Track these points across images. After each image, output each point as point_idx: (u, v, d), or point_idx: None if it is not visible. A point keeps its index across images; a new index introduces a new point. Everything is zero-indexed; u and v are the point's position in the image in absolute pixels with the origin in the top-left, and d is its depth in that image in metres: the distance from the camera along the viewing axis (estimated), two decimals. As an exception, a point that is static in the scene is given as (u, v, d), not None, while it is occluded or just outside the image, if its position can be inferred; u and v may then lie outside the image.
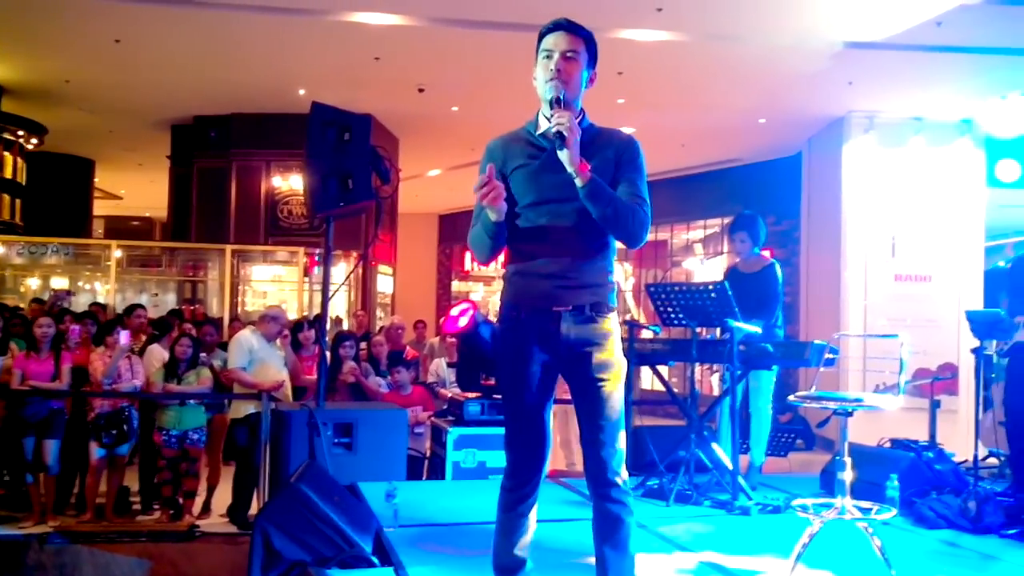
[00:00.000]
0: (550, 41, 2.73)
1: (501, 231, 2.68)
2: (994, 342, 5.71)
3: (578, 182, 2.58)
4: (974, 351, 5.62)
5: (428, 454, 6.42)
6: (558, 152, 2.58)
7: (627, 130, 2.94)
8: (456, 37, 7.89)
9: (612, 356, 2.71)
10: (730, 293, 4.82)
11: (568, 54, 2.71)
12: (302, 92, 9.81)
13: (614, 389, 2.69)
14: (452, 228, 19.86)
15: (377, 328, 11.58)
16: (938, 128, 9.53)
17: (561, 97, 2.65)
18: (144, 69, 9.55)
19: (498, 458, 5.63)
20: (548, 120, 2.68)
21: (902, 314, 9.49)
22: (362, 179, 5.27)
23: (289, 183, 11.61)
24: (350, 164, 5.26)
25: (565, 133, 2.54)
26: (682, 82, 8.77)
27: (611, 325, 2.73)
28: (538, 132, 2.76)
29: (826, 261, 10.40)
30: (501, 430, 5.92)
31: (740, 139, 11.19)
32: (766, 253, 6.85)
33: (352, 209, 5.42)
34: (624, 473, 2.69)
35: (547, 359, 2.73)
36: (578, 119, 2.68)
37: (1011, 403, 5.56)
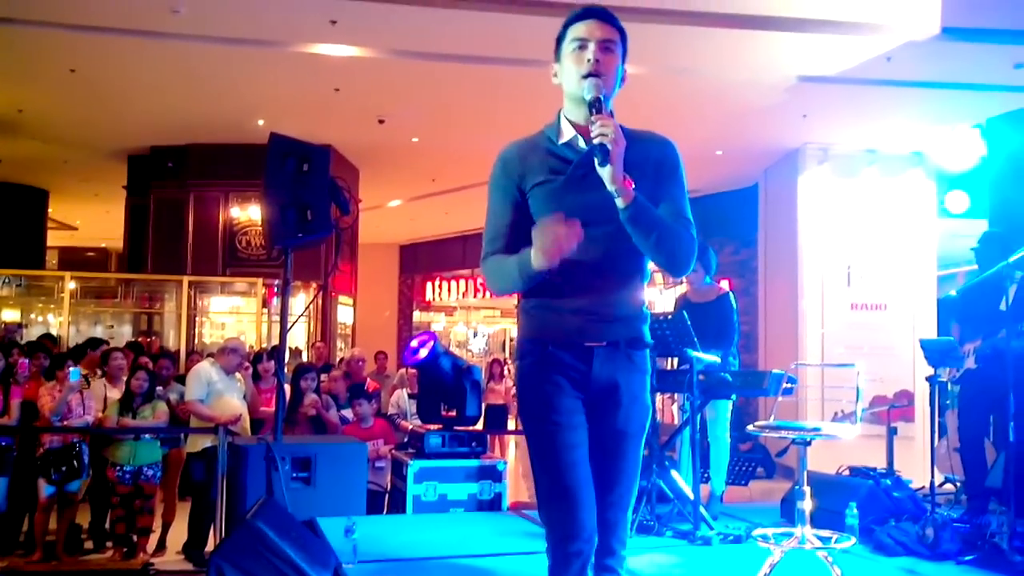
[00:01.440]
0: (582, 29, 2.30)
1: (543, 276, 2.23)
2: (947, 370, 5.80)
3: (620, 203, 2.20)
4: (928, 379, 5.71)
5: (389, 488, 6.35)
6: (599, 168, 2.17)
7: None
8: (416, 69, 7.92)
9: (642, 406, 2.40)
10: (688, 323, 4.85)
11: (606, 44, 2.29)
12: (261, 122, 9.77)
13: (638, 446, 2.40)
14: (413, 258, 19.83)
15: (337, 360, 11.48)
16: (890, 160, 9.74)
17: (603, 99, 2.23)
18: (100, 99, 9.45)
19: (459, 491, 5.59)
20: (572, 124, 2.33)
21: (859, 342, 9.63)
22: (321, 210, 5.23)
23: (248, 214, 11.52)
24: (309, 195, 5.22)
25: (609, 146, 2.14)
26: (640, 114, 8.78)
27: (646, 365, 2.43)
28: (561, 141, 2.36)
29: (783, 290, 10.53)
30: (462, 462, 5.88)
31: (698, 170, 11.32)
32: (724, 283, 6.92)
33: (311, 241, 5.37)
34: (626, 541, 2.39)
35: (574, 400, 2.35)
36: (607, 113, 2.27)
37: (964, 429, 5.66)
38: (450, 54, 7.36)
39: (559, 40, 2.37)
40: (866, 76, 7.61)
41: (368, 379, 8.45)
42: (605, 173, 2.17)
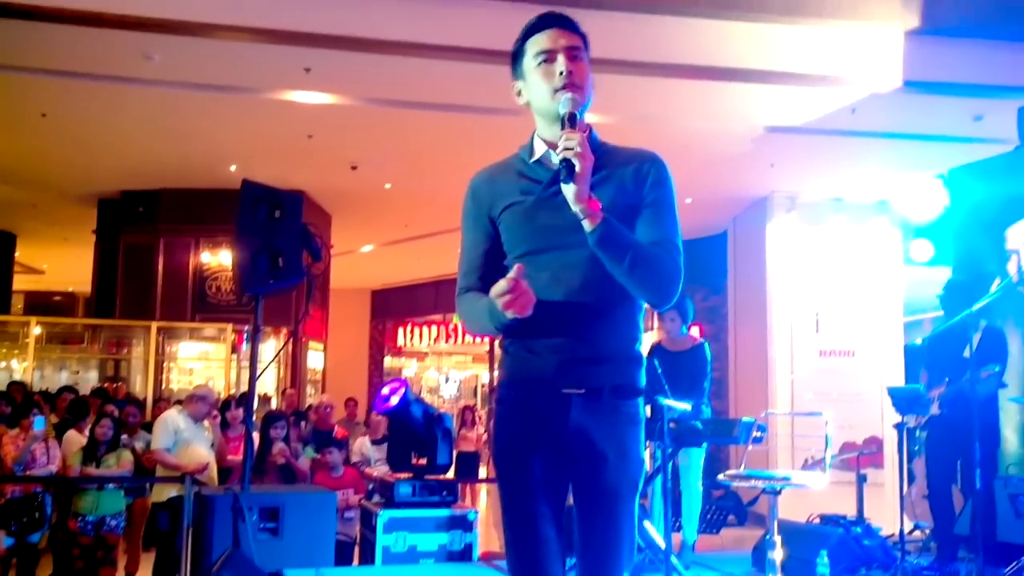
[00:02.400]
0: (544, 40, 2.10)
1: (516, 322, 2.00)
2: (914, 416, 5.86)
3: (586, 225, 1.97)
4: (896, 426, 5.76)
5: (358, 538, 6.26)
6: (563, 185, 1.95)
7: None
8: (389, 116, 7.98)
9: (633, 462, 2.11)
10: (660, 371, 4.87)
11: (573, 52, 2.09)
12: (234, 168, 9.77)
13: (630, 506, 2.11)
14: (385, 304, 19.78)
15: (307, 406, 11.37)
16: (856, 208, 9.91)
17: (578, 115, 2.04)
18: (72, 144, 9.41)
19: (429, 541, 5.52)
20: (545, 142, 2.14)
21: (828, 388, 9.71)
22: (293, 257, 5.23)
23: (218, 259, 11.46)
24: (281, 242, 5.22)
25: (576, 162, 1.93)
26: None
27: (637, 415, 2.14)
28: (533, 159, 2.16)
29: (753, 336, 10.61)
30: (432, 512, 5.82)
31: None
32: (695, 331, 6.97)
33: (282, 287, 5.36)
34: None
35: (553, 454, 2.10)
36: (587, 133, 2.08)
37: (931, 476, 5.70)
38: (422, 102, 7.43)
39: (516, 56, 2.17)
40: (832, 127, 7.77)
41: (336, 426, 8.37)
42: (569, 192, 1.95)
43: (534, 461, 2.10)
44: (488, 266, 2.17)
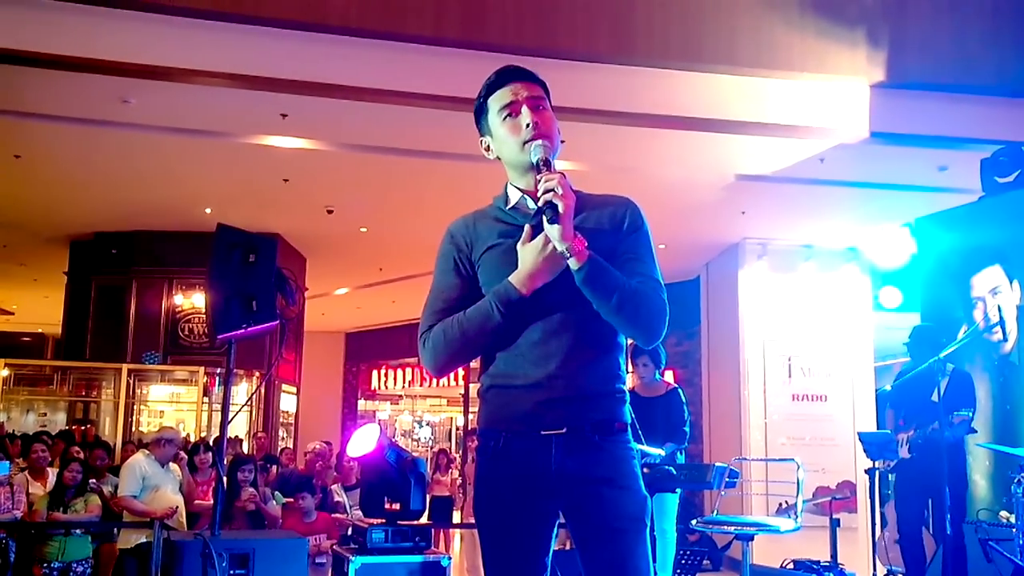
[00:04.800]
0: (506, 95, 2.14)
1: (515, 318, 2.01)
2: (882, 461, 5.92)
3: (572, 264, 1.98)
4: (867, 471, 5.81)
5: (329, 585, 6.18)
6: (547, 226, 1.96)
7: None
8: (364, 161, 8.03)
9: (631, 493, 2.04)
10: (632, 417, 4.89)
11: (536, 103, 2.13)
12: (208, 211, 9.76)
13: (637, 542, 2.02)
14: (359, 346, 19.69)
15: (279, 450, 11.26)
16: (827, 255, 10.05)
17: (551, 159, 2.08)
18: (45, 185, 9.37)
19: (402, 587, 5.46)
20: (521, 191, 2.16)
21: (801, 433, 9.77)
22: (266, 301, 5.22)
23: (191, 301, 11.38)
24: (254, 286, 5.21)
25: (558, 203, 1.94)
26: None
27: (624, 449, 2.09)
28: (509, 206, 2.18)
29: (726, 381, 10.67)
30: (408, 558, 5.76)
31: None
32: (669, 376, 7.01)
33: (255, 332, 5.35)
34: None
35: (538, 501, 2.05)
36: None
37: (901, 521, 5.75)
38: (398, 148, 7.50)
39: (479, 112, 2.21)
40: (801, 175, 7.91)
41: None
42: (554, 232, 1.95)
43: (514, 507, 2.05)
44: (461, 308, 2.13)
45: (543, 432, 2.02)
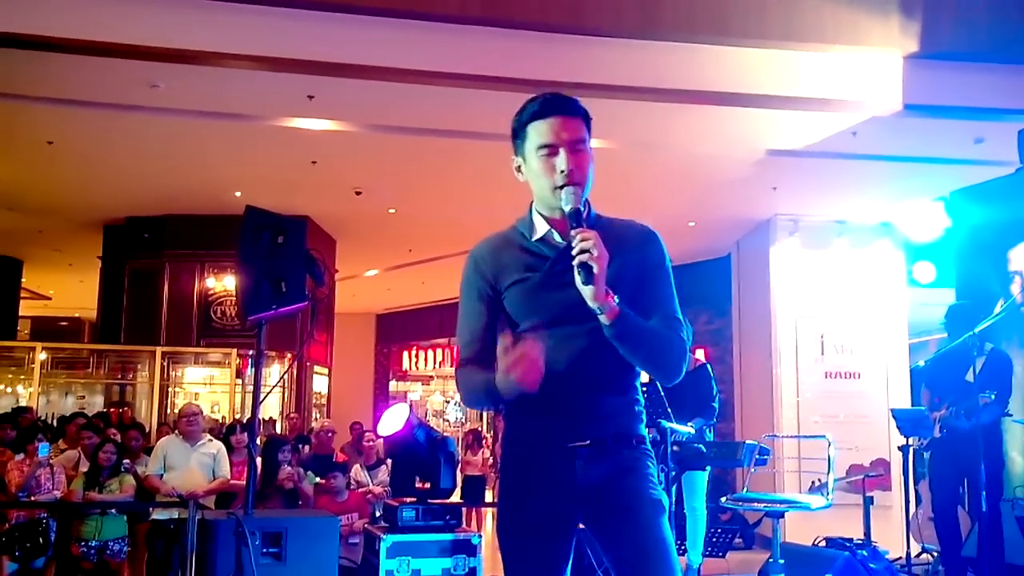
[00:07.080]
0: (547, 132, 2.12)
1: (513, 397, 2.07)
2: (917, 439, 5.85)
3: (604, 319, 2.04)
4: (900, 448, 5.74)
5: (360, 563, 6.24)
6: (580, 286, 2.01)
7: None
8: (392, 142, 8.03)
9: (648, 480, 2.16)
10: (662, 394, 4.88)
11: (576, 146, 2.12)
12: (238, 194, 9.82)
13: (658, 517, 2.11)
14: (390, 328, 19.79)
15: (310, 430, 11.36)
16: (860, 231, 9.91)
17: (582, 210, 2.10)
18: (77, 171, 9.48)
19: (433, 566, 5.50)
20: (545, 219, 2.18)
21: (834, 411, 9.67)
22: (296, 282, 5.24)
23: (223, 284, 11.49)
24: (284, 267, 5.23)
25: (593, 265, 1.98)
26: (611, 188, 8.97)
27: (643, 454, 2.19)
28: (535, 237, 2.20)
29: (758, 359, 10.59)
30: (436, 536, 5.81)
31: (671, 242, 11.16)
32: (699, 353, 6.97)
33: (285, 312, 5.38)
34: None
35: (560, 510, 2.16)
36: (585, 213, 2.14)
37: (936, 499, 5.68)
38: (426, 128, 7.48)
39: (517, 134, 2.19)
40: (833, 150, 7.78)
41: (338, 451, 8.35)
42: (587, 292, 2.01)
43: (538, 517, 2.15)
44: (490, 337, 2.18)
45: (568, 445, 2.13)
